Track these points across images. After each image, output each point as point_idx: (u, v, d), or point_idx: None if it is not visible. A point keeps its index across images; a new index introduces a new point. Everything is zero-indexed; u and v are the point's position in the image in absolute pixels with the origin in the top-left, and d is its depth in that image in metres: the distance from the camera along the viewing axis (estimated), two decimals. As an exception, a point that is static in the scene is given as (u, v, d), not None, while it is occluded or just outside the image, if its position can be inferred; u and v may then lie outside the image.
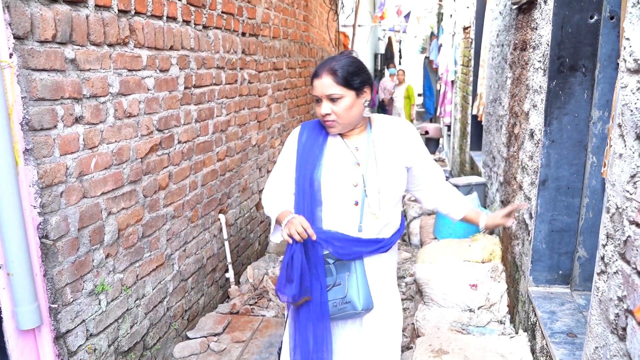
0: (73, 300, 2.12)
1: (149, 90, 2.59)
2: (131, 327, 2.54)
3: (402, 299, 4.26)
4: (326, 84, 1.83)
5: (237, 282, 3.92)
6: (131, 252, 2.51)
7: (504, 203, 3.58)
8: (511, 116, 3.38)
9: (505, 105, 3.61)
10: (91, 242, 2.20)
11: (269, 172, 4.60)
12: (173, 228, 2.91)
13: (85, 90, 2.13)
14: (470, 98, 6.16)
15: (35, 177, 1.87)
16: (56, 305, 2.01)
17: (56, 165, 1.98)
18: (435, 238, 4.40)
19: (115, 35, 2.32)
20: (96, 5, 2.19)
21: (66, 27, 2.01)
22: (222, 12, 3.45)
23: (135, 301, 2.57)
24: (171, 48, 2.80)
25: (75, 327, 2.13)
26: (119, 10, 2.34)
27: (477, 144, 5.89)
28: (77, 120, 2.09)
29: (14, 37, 1.77)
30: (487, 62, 4.75)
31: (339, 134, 1.96)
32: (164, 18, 2.73)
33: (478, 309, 3.10)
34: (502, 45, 3.84)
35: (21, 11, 1.80)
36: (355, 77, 1.84)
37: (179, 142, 2.93)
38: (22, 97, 1.80)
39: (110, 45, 2.29)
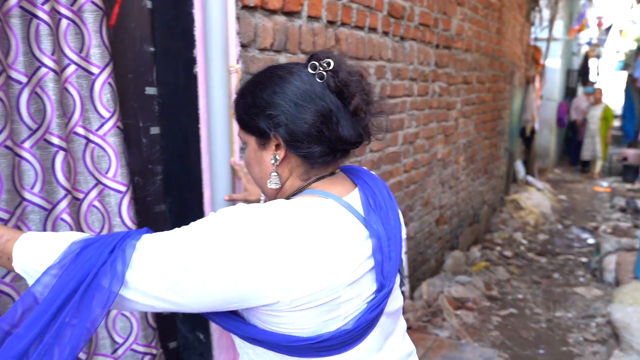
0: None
1: (347, 98, 2.66)
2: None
3: (592, 341, 3.83)
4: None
5: (411, 297, 3.86)
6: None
7: None
8: None
9: None
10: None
11: (451, 188, 4.47)
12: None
13: (293, 96, 2.25)
14: (689, 122, 5.36)
15: (246, 174, 2.03)
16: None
17: (263, 165, 2.12)
18: (636, 277, 3.89)
19: (322, 45, 2.42)
20: (308, 16, 2.30)
21: (282, 37, 2.14)
22: (419, 23, 3.43)
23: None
24: (370, 58, 2.85)
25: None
26: (327, 21, 2.43)
27: (694, 175, 5.10)
28: (284, 124, 2.22)
29: (240, 45, 1.93)
30: None
31: None
32: (366, 29, 2.78)
33: (695, 367, 2.66)
34: None
35: (248, 22, 1.96)
36: (254, 113, 1.03)
37: (370, 150, 2.96)
38: (241, 100, 1.95)
39: (317, 54, 2.39)
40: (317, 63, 1.01)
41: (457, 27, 4.16)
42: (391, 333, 1.12)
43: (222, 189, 1.82)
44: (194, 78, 1.79)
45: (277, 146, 1.02)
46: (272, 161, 1.02)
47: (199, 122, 1.80)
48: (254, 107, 1.02)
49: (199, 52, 1.78)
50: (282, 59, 2.16)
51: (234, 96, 1.86)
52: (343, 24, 2.57)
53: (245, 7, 1.95)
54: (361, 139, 1.04)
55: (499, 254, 5.49)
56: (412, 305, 3.72)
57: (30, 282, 0.96)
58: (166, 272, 0.89)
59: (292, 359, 1.00)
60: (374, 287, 1.00)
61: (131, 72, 1.80)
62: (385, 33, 3.01)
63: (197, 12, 1.76)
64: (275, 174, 1.03)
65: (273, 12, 2.09)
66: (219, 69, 1.74)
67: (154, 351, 1.84)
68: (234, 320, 1.00)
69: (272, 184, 1.04)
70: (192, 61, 1.78)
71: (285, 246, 0.89)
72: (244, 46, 1.96)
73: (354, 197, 1.03)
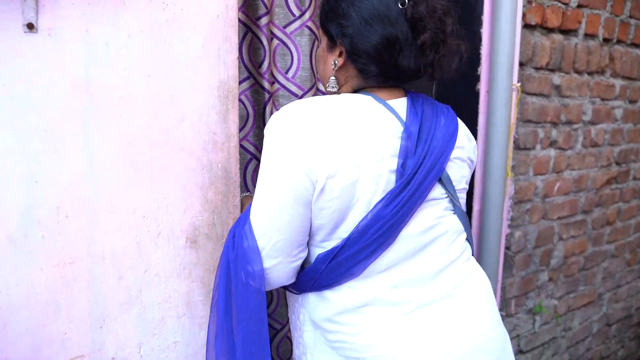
0: (514, 314, 2.21)
1: (616, 120, 2.50)
2: (552, 355, 2.51)
3: None
4: None
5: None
6: (569, 281, 2.47)
7: None
8: None
9: None
10: (540, 262, 2.26)
11: None
12: (610, 267, 2.74)
13: (562, 116, 2.19)
14: None
15: (512, 192, 2.03)
16: (502, 314, 2.13)
17: (528, 183, 2.10)
18: None
19: (596, 64, 2.31)
20: (585, 34, 2.22)
21: (558, 55, 2.10)
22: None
23: (561, 331, 2.52)
24: (644, 78, 2.63)
25: (510, 339, 2.22)
26: (602, 39, 2.32)
27: None
28: (552, 144, 2.17)
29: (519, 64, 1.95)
30: None
31: None
32: (641, 46, 2.58)
33: None
34: None
35: (527, 40, 1.96)
36: (331, 17, 1.07)
37: (634, 178, 2.73)
38: (515, 118, 1.97)
39: (589, 73, 2.29)
40: None
41: None
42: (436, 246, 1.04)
43: (495, 203, 1.85)
44: (475, 95, 1.86)
45: (340, 53, 1.06)
46: (332, 65, 1.08)
47: (476, 137, 1.86)
48: (331, 13, 1.06)
49: (483, 69, 1.84)
50: (556, 78, 2.12)
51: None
52: (619, 42, 2.42)
53: (527, 26, 1.96)
54: (419, 73, 1.03)
55: None
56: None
57: None
58: (267, 191, 0.97)
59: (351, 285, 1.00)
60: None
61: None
62: (662, 51, 2.74)
63: (485, 31, 1.82)
64: (334, 78, 1.09)
65: (551, 30, 2.07)
66: (503, 87, 1.78)
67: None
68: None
69: (330, 87, 1.10)
70: (476, 79, 1.85)
71: (312, 123, 0.95)
72: (521, 65, 1.97)
73: (399, 102, 1.04)
